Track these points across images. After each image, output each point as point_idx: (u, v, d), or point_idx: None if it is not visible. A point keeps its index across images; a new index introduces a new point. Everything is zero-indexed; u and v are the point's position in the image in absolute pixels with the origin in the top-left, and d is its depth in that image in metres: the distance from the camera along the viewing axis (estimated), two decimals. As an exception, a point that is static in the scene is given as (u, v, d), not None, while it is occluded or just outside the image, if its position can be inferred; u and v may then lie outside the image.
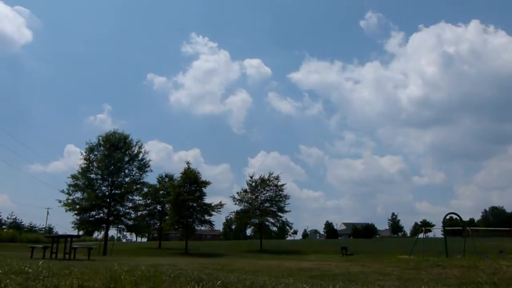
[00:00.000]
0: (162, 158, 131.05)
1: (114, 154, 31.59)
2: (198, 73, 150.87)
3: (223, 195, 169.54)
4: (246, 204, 41.53)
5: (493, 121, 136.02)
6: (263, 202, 41.22)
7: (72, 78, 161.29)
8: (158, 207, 43.16)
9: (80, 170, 31.51)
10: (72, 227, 31.51)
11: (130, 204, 33.95)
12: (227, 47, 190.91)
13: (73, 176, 31.25)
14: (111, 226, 32.38)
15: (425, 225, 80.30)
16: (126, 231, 34.98)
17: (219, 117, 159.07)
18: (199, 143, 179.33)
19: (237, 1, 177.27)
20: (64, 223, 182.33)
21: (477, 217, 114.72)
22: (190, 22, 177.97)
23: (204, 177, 36.73)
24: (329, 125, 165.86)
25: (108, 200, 31.69)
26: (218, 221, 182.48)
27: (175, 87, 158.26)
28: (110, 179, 32.25)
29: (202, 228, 37.77)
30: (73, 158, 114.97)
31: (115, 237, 55.99)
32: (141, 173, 33.78)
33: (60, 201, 30.67)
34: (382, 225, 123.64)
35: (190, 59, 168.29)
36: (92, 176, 32.08)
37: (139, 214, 37.99)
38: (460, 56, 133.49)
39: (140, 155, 33.75)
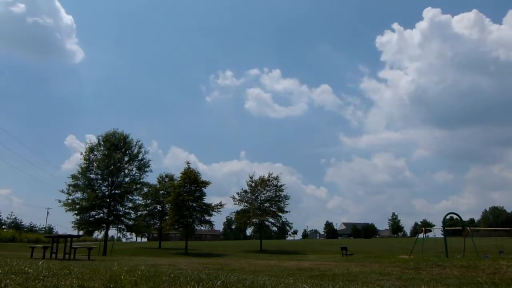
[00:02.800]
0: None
1: (114, 154, 31.56)
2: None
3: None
4: (246, 204, 41.59)
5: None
6: (263, 202, 41.26)
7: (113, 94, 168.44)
8: (158, 207, 43.16)
9: (80, 170, 31.49)
10: (72, 227, 31.49)
11: (130, 204, 33.91)
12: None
13: (73, 176, 31.20)
14: (111, 226, 32.33)
15: (425, 225, 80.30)
16: (126, 231, 34.88)
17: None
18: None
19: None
20: (64, 223, 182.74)
21: (477, 217, 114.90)
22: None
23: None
24: (331, 126, 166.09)
25: (108, 200, 31.66)
26: (218, 221, 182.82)
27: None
28: (110, 179, 32.21)
29: (202, 228, 37.74)
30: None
31: (115, 237, 56.01)
32: (141, 173, 33.73)
33: (60, 201, 30.68)
34: (382, 225, 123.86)
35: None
36: (92, 176, 32.04)
37: (139, 214, 37.96)
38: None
39: (140, 155, 33.73)
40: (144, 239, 79.14)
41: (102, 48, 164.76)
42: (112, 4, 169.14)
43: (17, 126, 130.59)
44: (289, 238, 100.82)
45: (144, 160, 33.81)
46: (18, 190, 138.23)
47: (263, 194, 41.61)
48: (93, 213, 31.67)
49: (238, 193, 41.95)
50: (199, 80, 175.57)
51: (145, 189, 37.32)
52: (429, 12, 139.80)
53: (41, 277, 4.14)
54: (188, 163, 36.82)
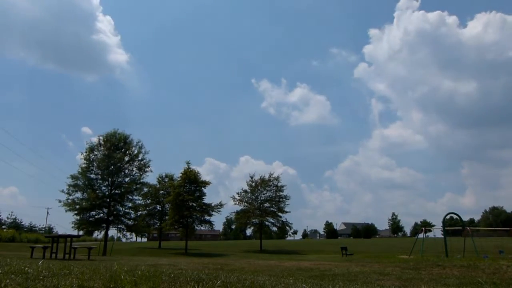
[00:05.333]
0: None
1: (114, 154, 31.54)
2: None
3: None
4: (246, 204, 41.57)
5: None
6: (263, 202, 41.24)
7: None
8: (158, 207, 43.15)
9: (80, 170, 31.47)
10: (72, 227, 31.46)
11: (130, 204, 33.91)
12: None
13: (73, 176, 31.19)
14: (111, 226, 32.33)
15: (425, 225, 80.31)
16: (126, 231, 34.88)
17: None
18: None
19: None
20: (64, 223, 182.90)
21: (477, 217, 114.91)
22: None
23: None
24: (334, 125, 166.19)
25: (108, 200, 31.65)
26: (218, 221, 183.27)
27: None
28: (110, 179, 32.20)
29: (202, 228, 37.73)
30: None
31: (115, 237, 55.98)
32: (141, 173, 33.72)
33: (60, 201, 30.66)
34: (382, 225, 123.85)
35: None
36: (92, 176, 32.03)
37: (139, 214, 37.96)
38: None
39: (140, 155, 33.71)
40: (144, 239, 79.12)
41: (126, 55, 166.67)
42: (139, 22, 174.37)
43: (22, 126, 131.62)
44: (289, 238, 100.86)
45: (144, 160, 33.85)
46: (18, 189, 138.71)
47: (263, 194, 41.62)
48: (93, 213, 31.67)
49: (238, 193, 42.01)
50: (221, 92, 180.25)
51: (145, 189, 37.33)
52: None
53: (41, 277, 4.14)
54: (188, 163, 36.81)
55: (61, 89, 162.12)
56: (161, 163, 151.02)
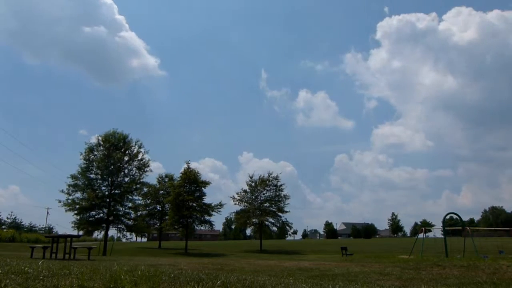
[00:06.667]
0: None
1: (113, 154, 31.51)
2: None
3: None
4: (246, 204, 41.53)
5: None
6: (263, 202, 41.20)
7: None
8: (158, 207, 43.12)
9: (79, 170, 31.44)
10: (72, 227, 31.39)
11: (130, 204, 33.87)
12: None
13: (73, 176, 31.16)
14: (111, 226, 32.29)
15: (425, 225, 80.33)
16: (126, 231, 34.82)
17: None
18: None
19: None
20: (64, 223, 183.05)
21: (477, 217, 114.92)
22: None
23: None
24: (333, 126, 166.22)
25: (108, 200, 31.62)
26: (218, 221, 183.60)
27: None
28: (109, 179, 32.16)
29: (202, 228, 37.72)
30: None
31: (115, 237, 55.98)
32: (140, 173, 33.65)
33: (60, 201, 30.64)
34: (382, 225, 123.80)
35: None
36: (92, 176, 31.98)
37: (139, 214, 37.90)
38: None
39: (140, 155, 33.65)
40: (144, 239, 79.11)
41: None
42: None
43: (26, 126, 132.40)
44: (289, 238, 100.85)
45: (144, 160, 33.78)
46: (20, 189, 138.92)
47: (263, 194, 41.58)
48: (93, 213, 31.62)
49: (237, 193, 41.96)
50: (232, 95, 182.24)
51: (145, 189, 37.24)
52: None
53: (41, 277, 4.14)
54: (187, 163, 36.78)
55: (62, 90, 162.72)
56: (166, 163, 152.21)
